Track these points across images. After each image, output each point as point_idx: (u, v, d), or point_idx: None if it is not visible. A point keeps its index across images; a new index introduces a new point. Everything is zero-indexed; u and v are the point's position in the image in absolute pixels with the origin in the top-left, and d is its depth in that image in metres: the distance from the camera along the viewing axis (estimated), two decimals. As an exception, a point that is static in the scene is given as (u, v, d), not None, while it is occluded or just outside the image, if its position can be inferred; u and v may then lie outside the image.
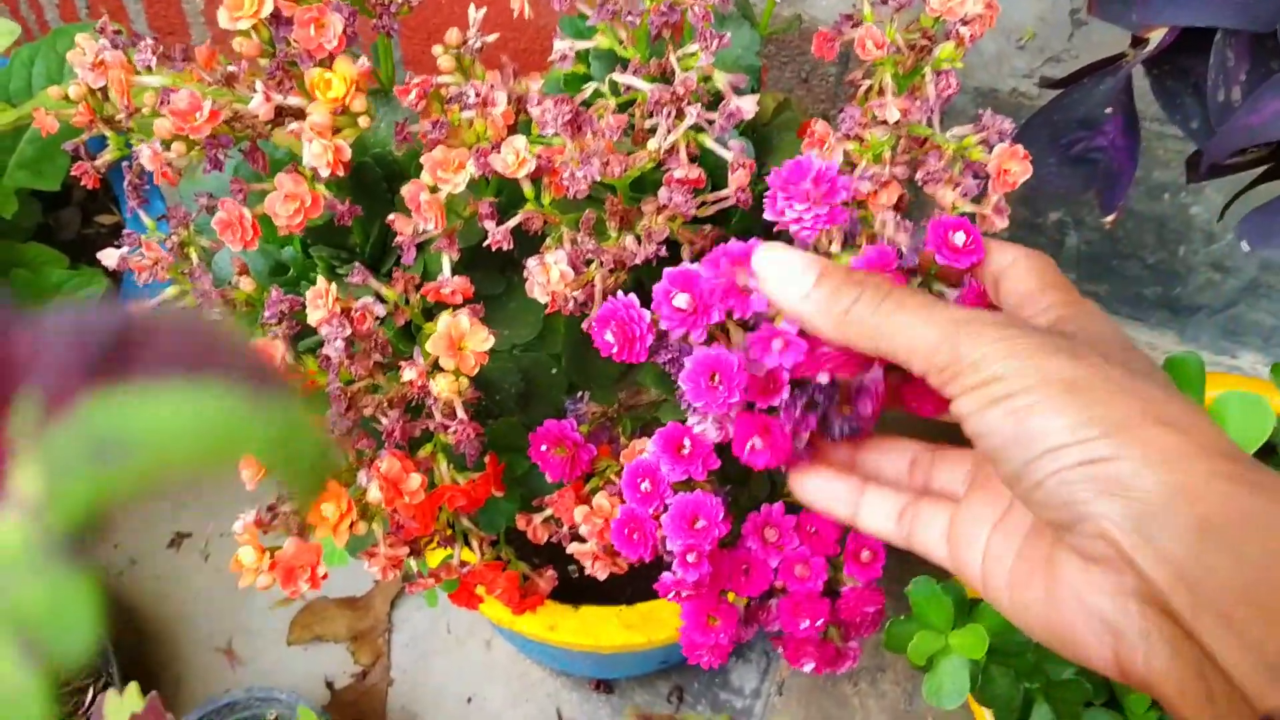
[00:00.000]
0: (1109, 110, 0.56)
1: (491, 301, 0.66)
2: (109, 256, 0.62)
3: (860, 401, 0.46)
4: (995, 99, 0.82)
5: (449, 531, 0.62)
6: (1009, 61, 0.81)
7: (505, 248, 0.51)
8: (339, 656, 1.03)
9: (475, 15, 0.52)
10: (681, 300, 0.43)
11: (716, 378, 0.43)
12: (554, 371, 0.64)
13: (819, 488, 0.46)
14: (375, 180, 0.67)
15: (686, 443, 0.47)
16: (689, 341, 0.46)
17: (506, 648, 1.02)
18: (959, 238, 0.45)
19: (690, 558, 0.48)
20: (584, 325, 0.52)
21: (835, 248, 0.48)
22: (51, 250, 0.84)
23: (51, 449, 0.14)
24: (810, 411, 0.44)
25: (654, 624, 0.78)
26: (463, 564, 0.63)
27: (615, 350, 0.46)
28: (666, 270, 0.43)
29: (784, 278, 0.41)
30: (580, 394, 0.59)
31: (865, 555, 0.53)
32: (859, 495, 0.45)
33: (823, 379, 0.43)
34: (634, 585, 0.84)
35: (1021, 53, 0.81)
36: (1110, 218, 0.55)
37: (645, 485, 0.49)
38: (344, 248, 0.66)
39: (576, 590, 0.82)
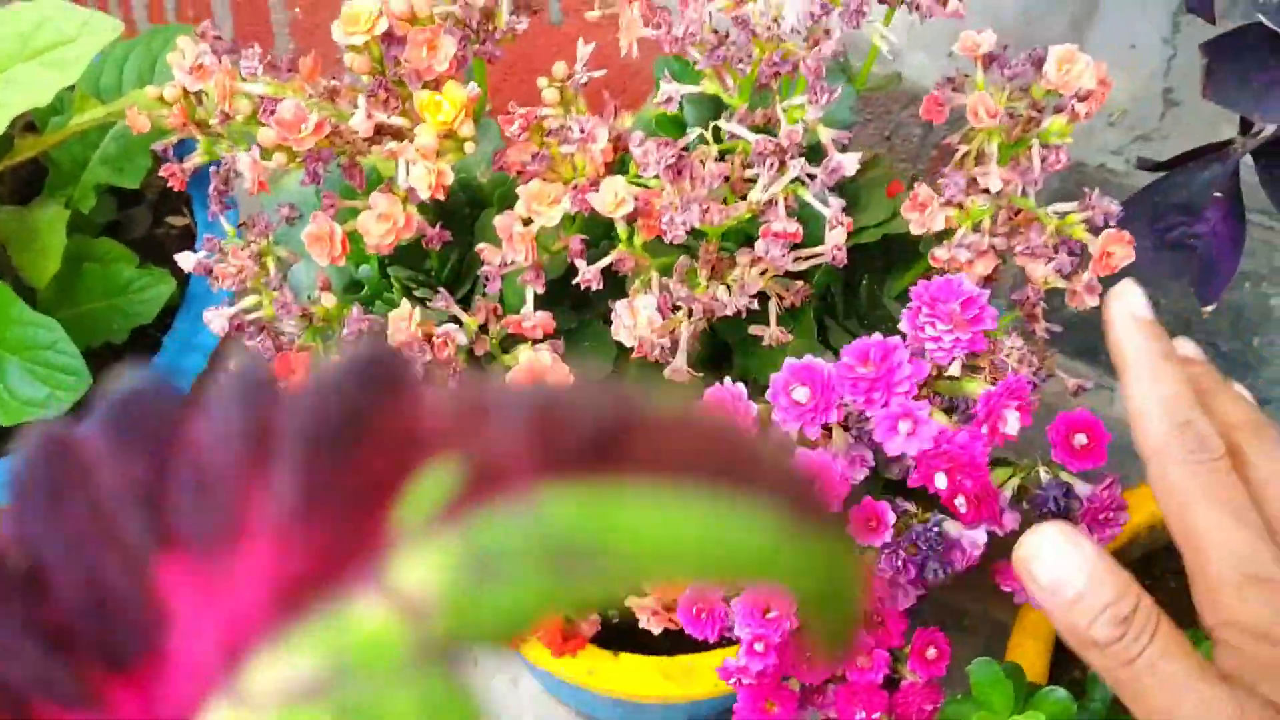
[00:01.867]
0: (1215, 196, 0.55)
1: (564, 336, 0.66)
2: (186, 260, 0.62)
3: (953, 554, 0.46)
4: (1083, 173, 0.81)
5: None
6: (1099, 136, 0.80)
7: (595, 287, 0.50)
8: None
9: (584, 51, 0.52)
10: (801, 394, 0.42)
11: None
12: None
13: None
14: (458, 205, 0.67)
15: None
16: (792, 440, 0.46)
17: (533, 686, 1.01)
18: (1080, 440, 0.45)
19: (758, 647, 0.47)
20: (666, 373, 0.52)
21: (955, 369, 0.47)
22: (122, 247, 0.84)
23: (480, 543, 0.12)
24: (912, 559, 0.44)
25: (694, 678, 0.77)
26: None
27: None
28: (788, 361, 0.43)
29: (1060, 582, 0.37)
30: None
31: (931, 653, 0.51)
32: None
33: (939, 486, 0.43)
34: (670, 634, 0.83)
35: (1112, 129, 0.80)
36: (1209, 308, 0.54)
37: None
38: (421, 270, 0.66)
39: (614, 633, 0.80)
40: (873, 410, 0.43)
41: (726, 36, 0.51)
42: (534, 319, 0.53)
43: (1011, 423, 0.44)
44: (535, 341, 0.53)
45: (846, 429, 0.46)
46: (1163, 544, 0.74)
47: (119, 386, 0.14)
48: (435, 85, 0.52)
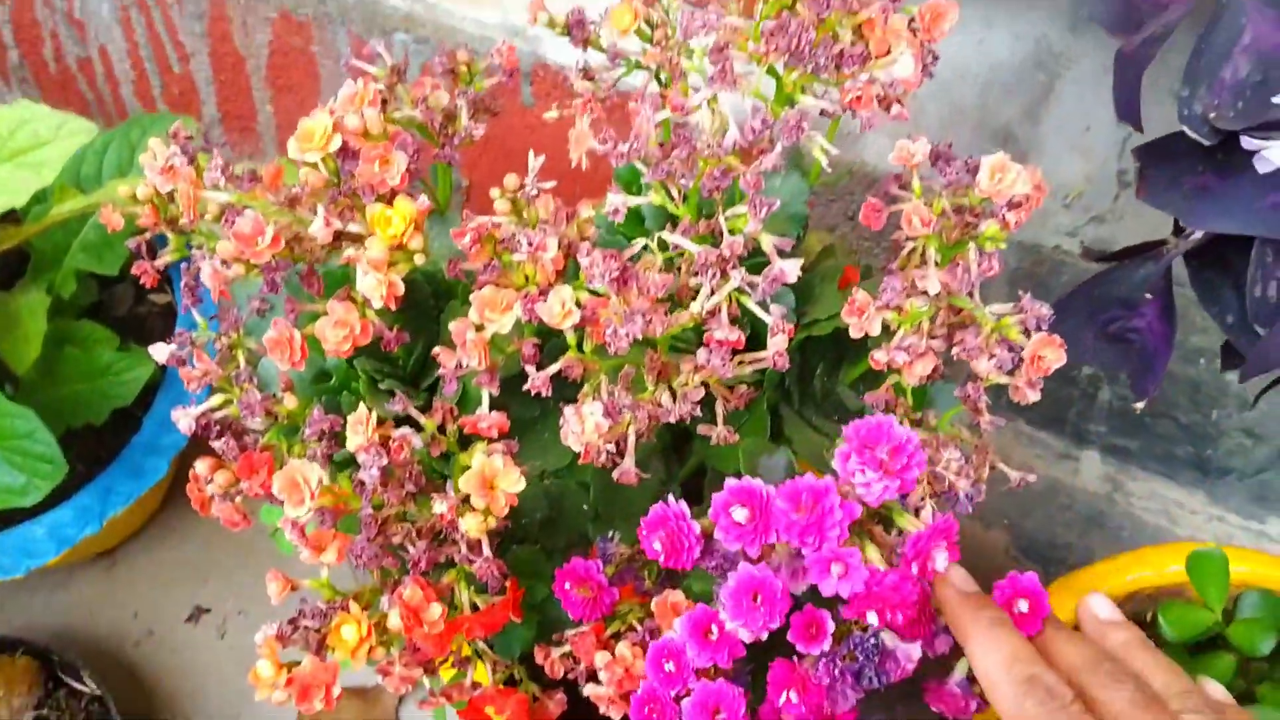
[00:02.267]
0: (1148, 295, 0.56)
1: (525, 426, 0.67)
2: (159, 351, 0.63)
3: (888, 663, 0.47)
4: (1038, 254, 0.83)
5: (464, 652, 0.63)
6: (1053, 218, 0.82)
7: (543, 394, 0.52)
8: (345, 748, 1.03)
9: (534, 163, 0.53)
10: (740, 515, 0.44)
11: (759, 598, 0.45)
12: (584, 506, 0.65)
13: None
14: (423, 297, 0.69)
15: (714, 630, 0.48)
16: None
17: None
18: (1022, 605, 0.46)
19: None
20: (615, 476, 0.53)
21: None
22: (104, 329, 0.86)
23: None
24: (849, 667, 0.45)
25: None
26: (475, 685, 0.64)
27: (662, 558, 0.48)
28: (729, 482, 0.45)
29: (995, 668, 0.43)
30: (611, 534, 0.59)
31: None
32: None
33: (871, 622, 0.44)
34: None
35: (1066, 210, 0.82)
36: (1141, 404, 0.55)
37: (669, 666, 0.49)
38: (387, 360, 0.68)
39: (586, 712, 0.81)
40: (807, 551, 0.44)
41: (673, 148, 0.52)
42: (489, 419, 0.54)
43: (940, 561, 0.46)
44: (490, 440, 0.55)
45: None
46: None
47: None
48: (387, 197, 0.53)
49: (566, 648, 0.62)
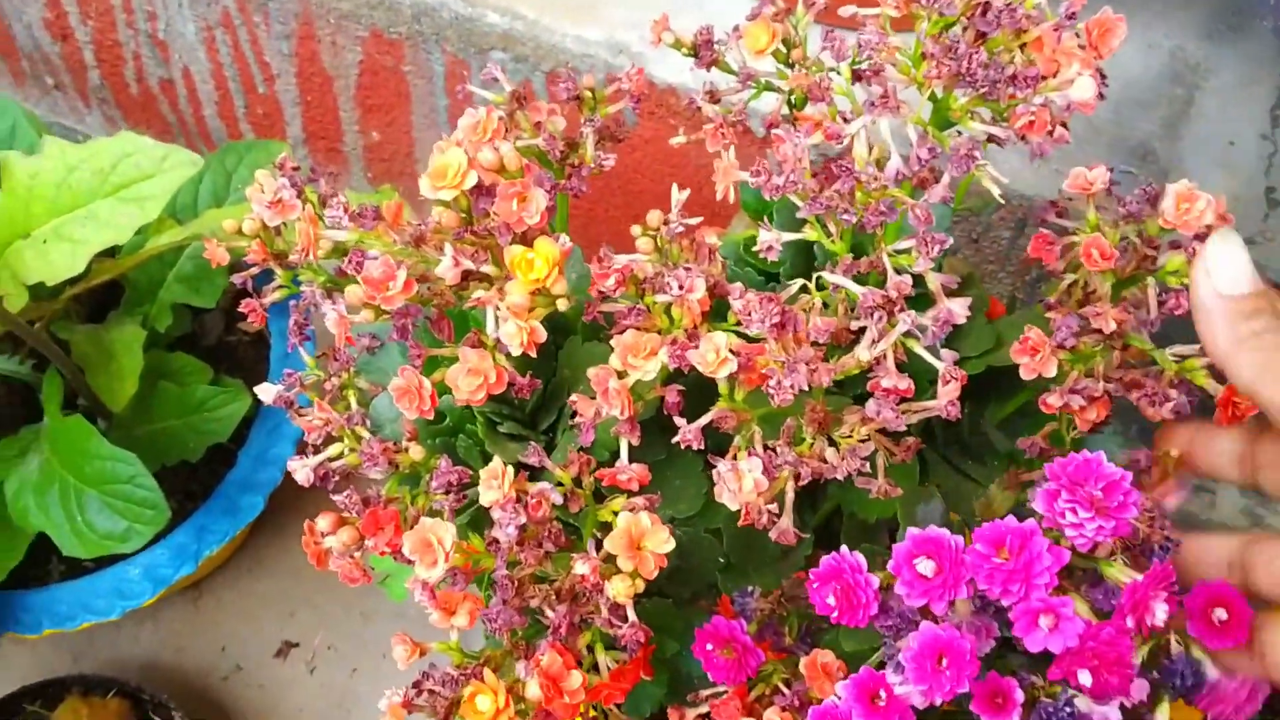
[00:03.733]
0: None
1: (651, 472, 0.64)
2: (266, 392, 0.61)
3: None
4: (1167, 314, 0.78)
5: (593, 714, 0.59)
6: (1197, 241, 0.77)
7: (696, 447, 0.48)
8: (439, 788, 1.00)
9: (679, 197, 0.50)
10: (926, 568, 0.40)
11: (944, 661, 0.40)
12: (715, 557, 0.61)
13: None
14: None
15: (882, 695, 0.44)
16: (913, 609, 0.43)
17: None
18: (1219, 615, 0.42)
19: None
20: (772, 535, 0.49)
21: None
22: (197, 362, 0.83)
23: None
24: None
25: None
26: (603, 748, 0.60)
27: (835, 614, 0.44)
28: (911, 531, 0.41)
29: (1226, 275, 0.43)
30: (750, 589, 0.56)
31: None
32: None
33: (1084, 683, 0.40)
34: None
35: (1211, 232, 0.77)
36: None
37: None
38: (505, 402, 0.64)
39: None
40: (1010, 601, 0.40)
41: (828, 181, 0.49)
42: (630, 471, 0.51)
43: (1159, 614, 0.41)
44: (630, 494, 0.51)
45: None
46: None
47: None
48: (525, 237, 0.50)
49: (704, 708, 0.58)
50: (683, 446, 0.49)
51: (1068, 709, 0.43)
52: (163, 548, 0.81)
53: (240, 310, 0.95)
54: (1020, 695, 0.44)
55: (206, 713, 1.03)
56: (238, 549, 1.09)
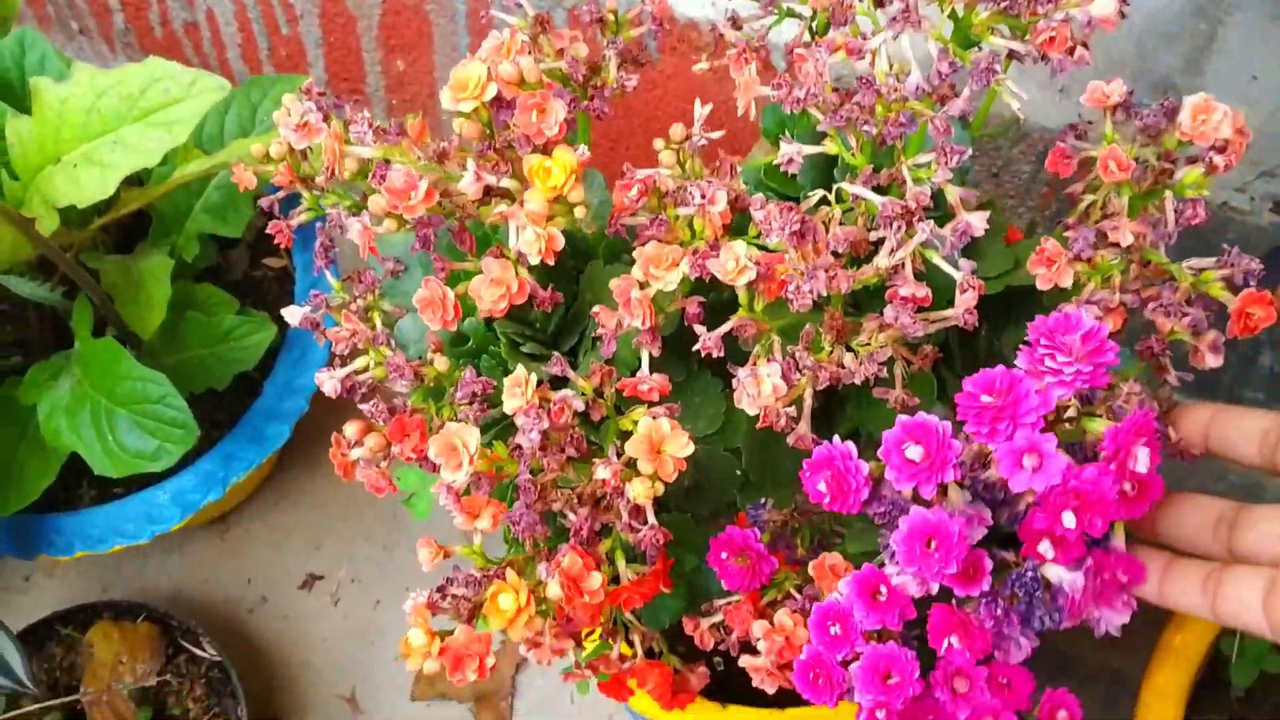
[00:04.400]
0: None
1: (673, 390, 0.65)
2: (292, 314, 0.62)
3: (1058, 599, 0.44)
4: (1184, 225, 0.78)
5: (611, 624, 0.61)
6: (1219, 174, 0.77)
7: (716, 354, 0.49)
8: (461, 716, 1.02)
9: (701, 111, 0.50)
10: (915, 452, 0.41)
11: (933, 544, 0.41)
12: (734, 473, 0.62)
13: None
14: (563, 258, 0.66)
15: (883, 590, 0.45)
16: (905, 497, 0.44)
17: (629, 725, 1.00)
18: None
19: (880, 715, 0.46)
20: (790, 441, 0.50)
21: (1071, 412, 0.45)
22: (223, 293, 0.85)
23: None
24: (1013, 608, 0.42)
25: (801, 730, 0.76)
26: (621, 658, 0.62)
27: (826, 500, 0.45)
28: (901, 418, 0.42)
29: None
30: (764, 500, 0.57)
31: (1062, 716, 0.49)
32: (1160, 569, 0.45)
33: (1067, 525, 0.41)
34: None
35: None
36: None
37: (835, 629, 0.46)
38: (526, 323, 0.65)
39: (719, 683, 0.79)
40: (996, 443, 0.41)
41: (849, 96, 0.49)
42: (650, 381, 0.52)
43: (1141, 460, 0.42)
44: (651, 404, 0.52)
45: (962, 485, 0.45)
46: None
47: None
48: (544, 148, 0.51)
49: (718, 618, 0.59)
50: (703, 354, 0.50)
51: (1031, 573, 0.44)
52: (190, 474, 0.83)
53: (264, 246, 0.96)
54: (989, 564, 0.44)
55: (234, 643, 1.05)
56: (263, 483, 1.10)
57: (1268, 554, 0.43)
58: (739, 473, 0.63)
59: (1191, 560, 0.45)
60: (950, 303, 0.49)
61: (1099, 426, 0.44)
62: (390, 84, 1.11)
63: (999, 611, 0.44)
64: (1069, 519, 0.42)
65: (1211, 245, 0.81)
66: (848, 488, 0.45)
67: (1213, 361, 0.52)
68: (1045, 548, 0.43)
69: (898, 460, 0.43)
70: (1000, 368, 0.42)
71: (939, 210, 0.52)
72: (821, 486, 0.45)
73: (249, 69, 1.20)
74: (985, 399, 0.42)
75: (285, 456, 1.10)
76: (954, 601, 0.46)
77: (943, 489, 0.45)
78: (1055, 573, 0.45)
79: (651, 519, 0.51)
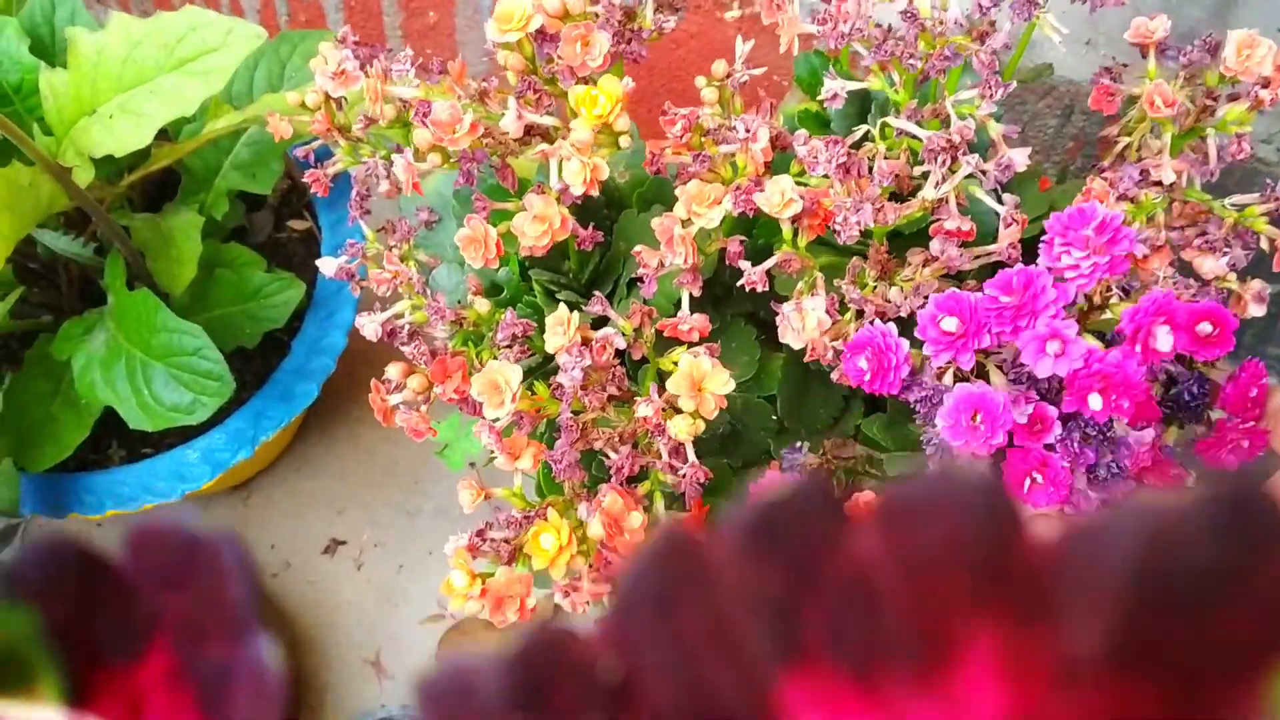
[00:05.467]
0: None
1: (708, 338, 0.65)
2: (327, 265, 0.62)
3: (1120, 452, 0.44)
4: (1231, 162, 0.78)
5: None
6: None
7: (760, 289, 0.49)
8: (485, 679, 1.02)
9: (743, 48, 0.50)
10: (950, 324, 0.41)
11: (979, 417, 0.41)
12: (770, 419, 0.62)
13: None
14: (597, 206, 0.66)
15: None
16: (943, 380, 0.44)
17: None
18: (1204, 328, 0.43)
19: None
20: (833, 376, 0.50)
21: (1114, 299, 0.45)
22: (252, 252, 0.85)
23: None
24: (1087, 444, 0.42)
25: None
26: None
27: (867, 378, 0.44)
28: (934, 296, 0.42)
29: None
30: (799, 444, 0.57)
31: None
32: None
33: (1095, 404, 0.41)
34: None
35: (1260, 115, 0.77)
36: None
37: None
38: (560, 272, 0.65)
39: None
40: (1019, 337, 0.41)
41: (891, 31, 0.49)
42: (691, 321, 0.52)
43: (1162, 340, 0.42)
44: (690, 345, 0.53)
45: (1002, 370, 0.45)
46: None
47: (767, 495, 0.13)
48: (588, 82, 0.51)
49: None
50: (747, 289, 0.50)
51: (1098, 427, 0.44)
52: (220, 432, 0.83)
53: (288, 209, 0.96)
54: (1054, 412, 0.44)
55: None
56: (286, 449, 1.11)
57: None
58: (774, 418, 0.63)
59: None
60: (993, 238, 0.50)
61: (1120, 309, 0.44)
62: (411, 46, 1.11)
63: (1075, 448, 0.44)
64: (1095, 400, 0.42)
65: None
66: (887, 364, 0.44)
67: (1255, 310, 0.52)
68: (1095, 401, 0.43)
69: (934, 333, 0.43)
70: (1018, 268, 0.42)
71: (979, 147, 0.52)
72: (862, 363, 0.45)
73: (268, 34, 1.20)
74: (1004, 299, 0.42)
75: (307, 425, 1.10)
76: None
77: (983, 373, 0.45)
78: (1123, 428, 0.45)
79: (692, 457, 0.51)
